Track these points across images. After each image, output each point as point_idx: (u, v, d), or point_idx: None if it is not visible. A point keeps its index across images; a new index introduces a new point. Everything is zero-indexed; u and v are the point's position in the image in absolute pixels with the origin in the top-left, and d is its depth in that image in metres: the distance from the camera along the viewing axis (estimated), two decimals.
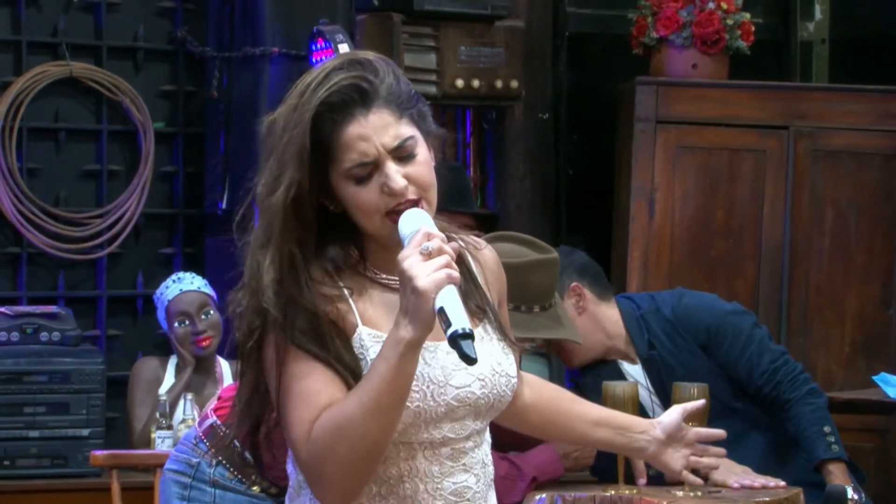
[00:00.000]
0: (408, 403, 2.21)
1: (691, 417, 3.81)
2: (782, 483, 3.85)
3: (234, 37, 5.66)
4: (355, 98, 2.24)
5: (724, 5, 5.88)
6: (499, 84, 5.92)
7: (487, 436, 2.38)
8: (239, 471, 3.42)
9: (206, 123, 5.84)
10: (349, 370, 2.23)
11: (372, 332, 2.26)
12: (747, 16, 5.94)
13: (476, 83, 5.86)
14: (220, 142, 5.72)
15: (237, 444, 3.39)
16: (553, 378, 5.06)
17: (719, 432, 2.88)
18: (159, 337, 5.64)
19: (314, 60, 5.48)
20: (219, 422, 3.47)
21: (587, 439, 2.73)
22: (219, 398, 3.63)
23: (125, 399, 5.20)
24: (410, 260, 2.12)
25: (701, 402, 2.94)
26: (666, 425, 2.76)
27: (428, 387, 2.25)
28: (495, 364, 2.32)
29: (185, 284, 5.13)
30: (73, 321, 5.25)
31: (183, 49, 5.93)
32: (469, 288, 2.35)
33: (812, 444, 4.03)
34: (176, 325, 5.09)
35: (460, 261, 2.32)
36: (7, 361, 5.07)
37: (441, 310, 2.11)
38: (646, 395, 4.14)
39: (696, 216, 5.82)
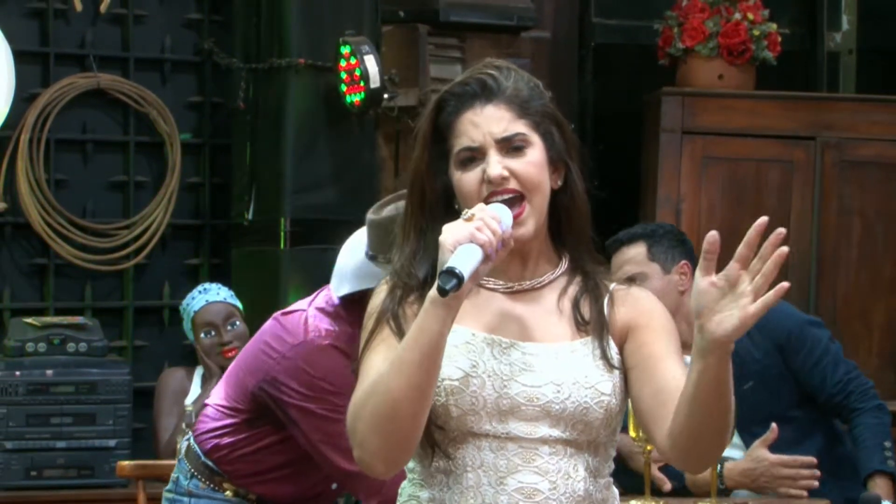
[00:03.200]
0: (463, 387, 2.23)
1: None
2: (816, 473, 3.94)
3: (260, 48, 5.67)
4: (477, 91, 2.35)
5: (751, 16, 5.87)
6: None
7: (593, 460, 2.30)
8: (210, 480, 3.52)
9: (232, 134, 5.84)
10: None
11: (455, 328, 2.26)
12: (774, 26, 5.92)
13: None
14: (247, 153, 5.73)
15: (202, 455, 3.51)
16: None
17: None
18: (185, 347, 5.65)
19: (340, 72, 5.49)
20: (192, 437, 3.57)
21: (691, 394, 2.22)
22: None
23: (152, 409, 5.20)
24: (449, 223, 2.19)
25: None
26: None
27: (490, 377, 2.25)
28: (581, 376, 2.28)
29: (211, 295, 5.13)
30: (99, 332, 5.26)
31: (209, 60, 5.94)
32: (586, 299, 2.35)
33: (869, 453, 4.07)
34: (202, 335, 5.09)
35: (586, 277, 2.36)
36: (34, 372, 5.08)
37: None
38: None
39: (723, 227, 5.77)
